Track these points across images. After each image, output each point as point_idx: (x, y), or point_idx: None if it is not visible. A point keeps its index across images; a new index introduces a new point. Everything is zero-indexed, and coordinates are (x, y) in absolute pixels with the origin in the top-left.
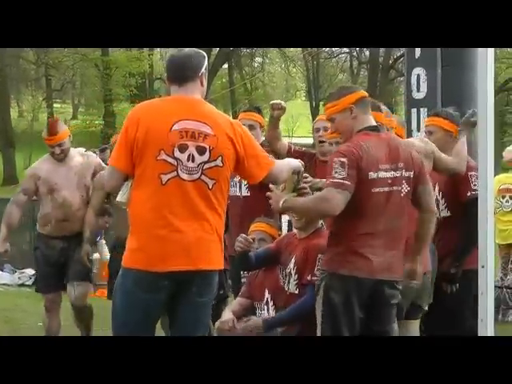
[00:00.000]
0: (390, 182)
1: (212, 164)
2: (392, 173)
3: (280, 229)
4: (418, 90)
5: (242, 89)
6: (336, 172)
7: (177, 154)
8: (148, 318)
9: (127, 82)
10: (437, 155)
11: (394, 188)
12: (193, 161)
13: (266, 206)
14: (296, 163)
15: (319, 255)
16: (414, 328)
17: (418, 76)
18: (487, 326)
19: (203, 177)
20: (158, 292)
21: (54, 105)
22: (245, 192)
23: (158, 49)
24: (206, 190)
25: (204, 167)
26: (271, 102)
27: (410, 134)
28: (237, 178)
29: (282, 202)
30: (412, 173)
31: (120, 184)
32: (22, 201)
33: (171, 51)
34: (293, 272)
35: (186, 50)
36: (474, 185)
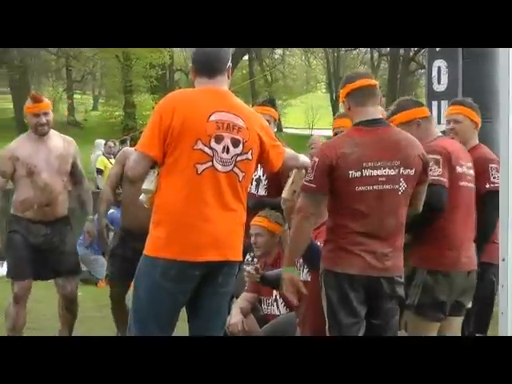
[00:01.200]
0: (382, 179)
1: (244, 157)
2: (386, 170)
3: (284, 224)
4: (439, 83)
5: (262, 80)
6: (308, 174)
7: (213, 144)
8: (174, 309)
9: (147, 73)
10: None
11: (388, 186)
12: (227, 152)
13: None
14: (304, 158)
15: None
16: (457, 325)
17: (439, 68)
18: (508, 320)
19: (235, 169)
20: (186, 282)
21: (75, 96)
22: (262, 192)
23: None
24: (236, 182)
25: (237, 159)
26: None
27: None
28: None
29: None
30: (412, 171)
31: (147, 171)
32: (0, 184)
33: None
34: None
35: None
36: (494, 177)
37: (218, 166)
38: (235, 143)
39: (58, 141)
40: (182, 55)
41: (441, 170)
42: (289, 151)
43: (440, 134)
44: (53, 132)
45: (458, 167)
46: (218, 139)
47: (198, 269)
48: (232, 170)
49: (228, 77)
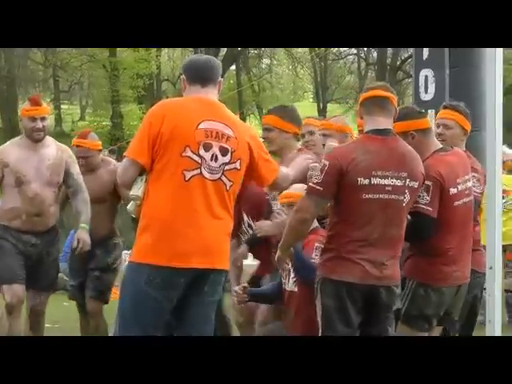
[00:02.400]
0: (388, 189)
1: (232, 166)
2: (393, 180)
3: None
4: (426, 92)
5: (249, 90)
6: (316, 176)
7: (202, 152)
8: (160, 316)
9: (135, 84)
10: None
11: (394, 196)
12: (215, 160)
13: None
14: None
15: (316, 244)
16: (436, 334)
17: (426, 77)
18: (495, 327)
19: (223, 177)
20: (171, 289)
21: (62, 106)
22: None
23: (166, 50)
24: (223, 191)
25: (225, 168)
26: None
27: None
28: None
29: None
30: (417, 184)
31: (135, 177)
32: None
33: (192, 56)
34: (291, 269)
35: (203, 55)
36: (475, 186)
37: (206, 174)
38: (224, 152)
39: (51, 149)
40: (169, 65)
41: (429, 198)
42: (283, 171)
43: (440, 146)
44: (47, 139)
45: (451, 189)
46: (207, 147)
47: (184, 276)
48: (220, 178)
49: (218, 90)
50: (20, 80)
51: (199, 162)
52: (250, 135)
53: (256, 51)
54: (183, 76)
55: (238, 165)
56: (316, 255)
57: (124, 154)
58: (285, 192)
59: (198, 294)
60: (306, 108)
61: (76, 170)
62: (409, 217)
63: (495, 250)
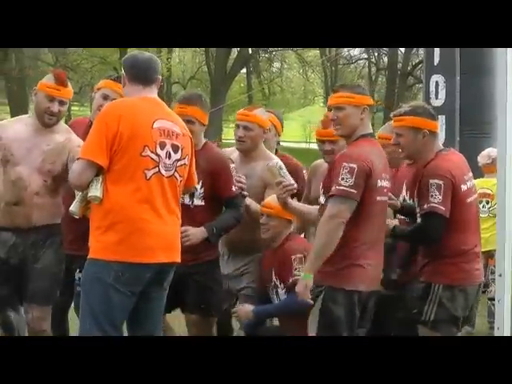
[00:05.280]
0: (386, 191)
1: (182, 162)
2: (388, 182)
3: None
4: (437, 97)
5: (259, 94)
6: (343, 179)
7: (158, 150)
8: (126, 310)
9: None
10: None
11: (386, 198)
12: (169, 158)
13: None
14: None
15: (293, 256)
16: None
17: (437, 83)
18: (504, 334)
19: (176, 173)
20: (137, 284)
21: (72, 107)
22: (198, 201)
23: (177, 53)
24: (176, 187)
25: (177, 164)
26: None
27: None
28: None
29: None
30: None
31: (91, 179)
32: None
33: (134, 52)
34: (277, 282)
35: (146, 53)
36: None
37: (163, 171)
38: (175, 149)
39: (57, 135)
40: (180, 68)
41: (441, 197)
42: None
43: (442, 147)
44: (61, 125)
45: (462, 186)
46: (162, 145)
47: (150, 271)
48: (173, 174)
49: (157, 87)
50: (30, 81)
51: (157, 160)
52: (189, 134)
53: (267, 55)
54: (123, 72)
55: (186, 160)
56: (297, 268)
57: (78, 156)
58: (267, 202)
59: (158, 289)
60: (316, 112)
61: None
62: (418, 219)
63: (504, 257)
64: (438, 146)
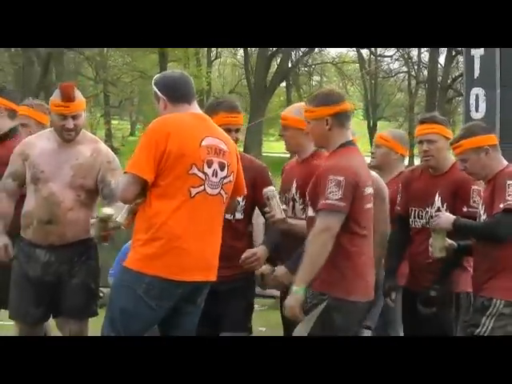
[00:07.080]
0: (370, 197)
1: (228, 179)
2: (370, 189)
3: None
4: (477, 110)
5: None
6: (330, 192)
7: (205, 169)
8: (149, 325)
9: None
10: None
11: (372, 205)
12: (216, 176)
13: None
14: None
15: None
16: None
17: (477, 96)
18: None
19: (222, 191)
20: (168, 300)
21: (112, 121)
22: (238, 215)
23: (217, 66)
24: (221, 205)
25: (223, 182)
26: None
27: None
28: None
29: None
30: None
31: (137, 194)
32: (10, 188)
33: (164, 73)
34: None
35: (176, 71)
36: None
37: (209, 190)
38: (222, 167)
39: (83, 147)
40: (220, 82)
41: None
42: None
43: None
44: (84, 135)
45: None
46: (209, 164)
47: (183, 288)
48: (219, 192)
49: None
50: None
51: (203, 178)
52: (235, 148)
53: (306, 68)
54: (161, 95)
55: (232, 177)
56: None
57: (125, 170)
58: None
59: (190, 305)
60: (355, 125)
61: (116, 178)
62: (482, 218)
63: None
64: (502, 158)
